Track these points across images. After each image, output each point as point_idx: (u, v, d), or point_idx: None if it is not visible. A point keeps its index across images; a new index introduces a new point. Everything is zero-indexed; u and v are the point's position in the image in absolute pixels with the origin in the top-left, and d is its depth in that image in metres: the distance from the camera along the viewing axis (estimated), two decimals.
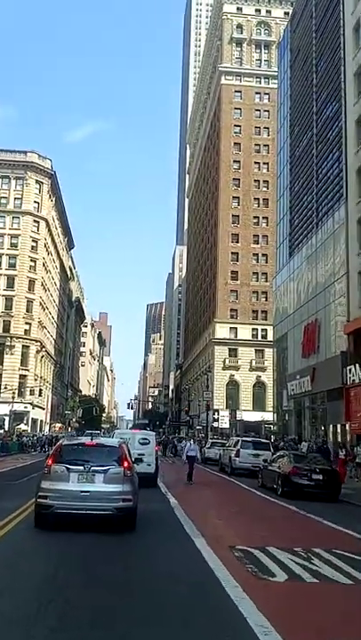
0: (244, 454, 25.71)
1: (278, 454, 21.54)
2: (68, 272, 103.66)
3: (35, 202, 73.57)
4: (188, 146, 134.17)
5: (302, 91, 47.31)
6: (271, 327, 58.50)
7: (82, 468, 9.53)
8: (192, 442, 21.93)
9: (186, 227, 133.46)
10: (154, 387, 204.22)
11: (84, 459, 9.69)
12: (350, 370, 32.08)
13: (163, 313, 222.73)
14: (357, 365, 31.28)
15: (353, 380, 31.66)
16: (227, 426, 60.77)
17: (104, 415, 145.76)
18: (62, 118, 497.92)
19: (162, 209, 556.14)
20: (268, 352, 64.06)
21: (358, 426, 31.49)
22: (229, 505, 15.76)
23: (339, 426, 35.55)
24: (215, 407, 64.39)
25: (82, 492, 9.37)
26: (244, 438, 28.85)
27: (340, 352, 34.51)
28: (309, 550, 9.06)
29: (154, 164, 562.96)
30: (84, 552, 8.39)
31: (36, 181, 74.10)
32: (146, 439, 18.86)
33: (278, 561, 8.19)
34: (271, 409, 58.59)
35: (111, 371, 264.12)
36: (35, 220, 73.06)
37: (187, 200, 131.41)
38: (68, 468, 9.53)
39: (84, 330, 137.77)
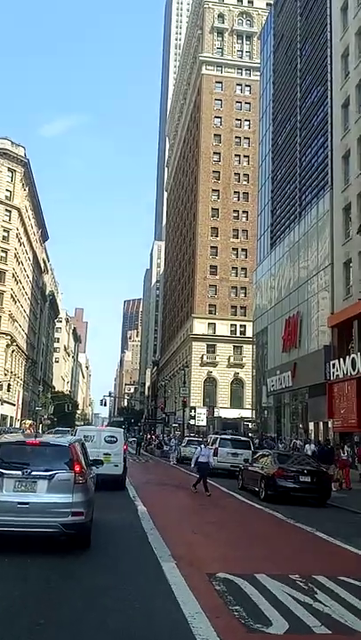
0: (223, 453, 23.85)
1: (260, 453, 19.68)
2: (42, 265, 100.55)
3: (7, 190, 70.53)
4: (167, 138, 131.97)
5: (286, 76, 45.66)
6: (250, 324, 56.80)
7: (19, 472, 7.45)
8: (203, 446, 19.46)
9: (165, 222, 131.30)
10: (130, 384, 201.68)
11: (23, 461, 7.60)
12: (334, 364, 30.50)
13: (140, 309, 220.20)
14: (341, 360, 29.67)
15: (337, 375, 30.07)
16: (204, 423, 58.97)
17: (78, 412, 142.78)
18: (37, 113, 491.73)
19: (140, 204, 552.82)
20: (247, 348, 62.42)
21: (342, 423, 29.93)
22: (207, 512, 13.80)
23: (321, 423, 34.02)
24: (192, 404, 62.52)
25: (19, 503, 7.30)
26: (222, 436, 26.89)
27: (323, 346, 32.93)
28: (310, 578, 7.12)
29: (133, 158, 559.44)
30: (10, 589, 6.20)
31: (9, 169, 71.04)
32: (113, 437, 16.89)
33: (273, 597, 6.21)
34: (249, 406, 56.98)
35: (87, 367, 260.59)
36: (6, 209, 70.07)
37: (165, 194, 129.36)
38: (1, 473, 7.42)
39: (58, 325, 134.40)
